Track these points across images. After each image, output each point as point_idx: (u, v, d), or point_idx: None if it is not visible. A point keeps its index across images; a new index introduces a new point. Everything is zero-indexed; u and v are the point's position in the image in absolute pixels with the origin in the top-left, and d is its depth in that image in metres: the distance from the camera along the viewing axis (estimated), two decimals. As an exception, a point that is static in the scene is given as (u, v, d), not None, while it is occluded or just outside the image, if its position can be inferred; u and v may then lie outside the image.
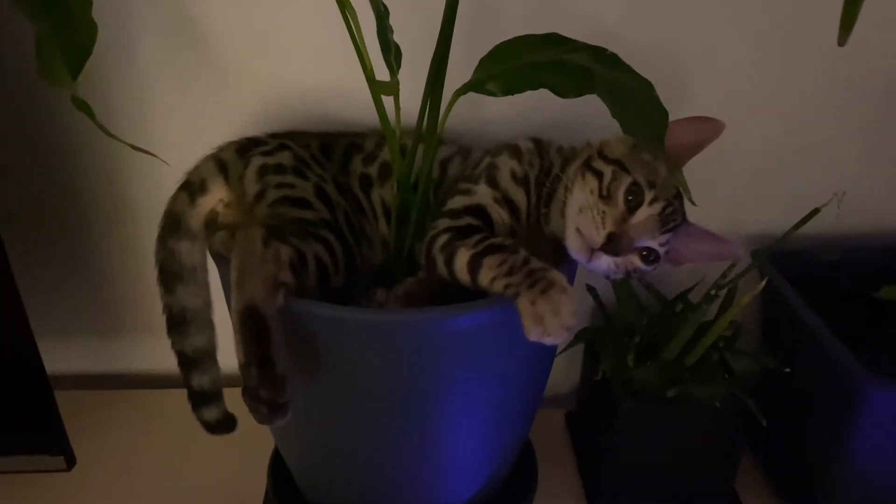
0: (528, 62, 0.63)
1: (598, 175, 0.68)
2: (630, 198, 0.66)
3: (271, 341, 0.59)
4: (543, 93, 0.62)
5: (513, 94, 0.61)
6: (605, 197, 0.67)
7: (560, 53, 0.63)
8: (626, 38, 0.81)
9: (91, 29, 0.61)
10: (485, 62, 0.65)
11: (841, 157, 0.96)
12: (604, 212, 0.66)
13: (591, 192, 0.68)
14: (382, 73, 0.67)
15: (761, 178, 0.97)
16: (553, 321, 0.58)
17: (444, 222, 0.69)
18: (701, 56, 0.89)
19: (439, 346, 0.63)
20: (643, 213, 0.67)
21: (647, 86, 0.59)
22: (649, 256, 0.68)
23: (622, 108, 0.57)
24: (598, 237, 0.66)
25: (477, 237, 0.66)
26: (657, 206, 0.67)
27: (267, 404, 0.58)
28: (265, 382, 0.58)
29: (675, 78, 0.89)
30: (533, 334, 0.59)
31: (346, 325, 0.62)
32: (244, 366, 0.59)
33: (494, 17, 0.83)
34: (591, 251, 0.66)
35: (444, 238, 0.67)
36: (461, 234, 0.67)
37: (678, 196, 0.68)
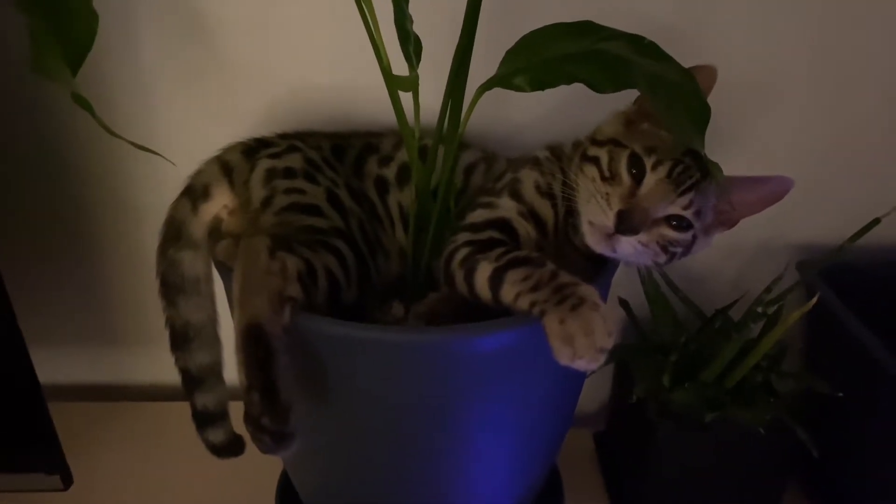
0: (559, 53, 0.57)
1: (595, 161, 0.64)
2: (633, 171, 0.62)
3: (275, 365, 0.53)
4: (577, 91, 0.56)
5: (543, 90, 0.55)
6: (608, 178, 0.63)
7: (594, 43, 0.57)
8: (666, 26, 0.76)
9: (91, 20, 0.57)
10: (511, 54, 0.59)
11: (888, 162, 0.89)
12: (607, 193, 0.62)
13: (593, 179, 0.63)
14: (400, 69, 0.63)
15: (809, 184, 0.89)
16: (584, 342, 0.52)
17: (464, 236, 0.64)
18: (749, 49, 0.83)
19: (460, 369, 0.57)
20: (650, 180, 0.61)
21: (689, 79, 0.54)
22: (680, 224, 0.62)
23: (664, 102, 0.52)
24: (609, 219, 0.60)
25: (500, 250, 0.60)
26: (663, 169, 0.61)
27: (270, 434, 0.53)
28: (268, 411, 0.53)
29: (720, 73, 0.83)
30: (563, 357, 0.53)
31: (358, 345, 0.56)
32: (246, 390, 0.53)
33: (522, 6, 0.77)
34: (608, 237, 0.61)
35: (464, 251, 0.62)
36: (483, 247, 0.61)
37: (689, 153, 0.62)
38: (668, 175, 0.61)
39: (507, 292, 0.57)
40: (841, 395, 0.74)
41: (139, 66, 0.83)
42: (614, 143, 0.64)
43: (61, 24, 0.55)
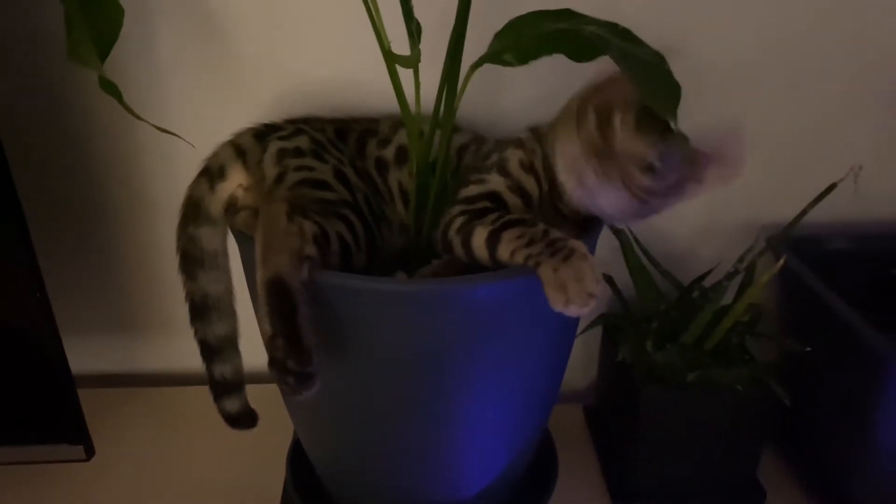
0: (541, 32, 0.64)
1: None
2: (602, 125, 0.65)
3: (297, 312, 0.58)
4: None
5: (527, 62, 0.61)
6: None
7: (573, 25, 0.63)
8: (639, 19, 0.82)
9: (118, 12, 0.63)
10: (500, 35, 0.66)
11: (857, 145, 0.96)
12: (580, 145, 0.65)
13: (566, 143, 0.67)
14: (400, 51, 0.68)
15: (777, 167, 0.97)
16: (576, 288, 0.58)
17: (459, 207, 0.69)
18: (717, 41, 0.90)
19: (461, 318, 0.63)
20: (616, 127, 0.64)
21: (659, 58, 0.60)
22: (654, 177, 0.64)
23: (638, 75, 0.57)
24: (587, 162, 0.64)
25: (493, 216, 0.66)
26: (629, 122, 0.64)
27: (294, 375, 0.58)
28: (292, 353, 0.58)
29: (690, 62, 0.89)
30: (557, 303, 0.59)
31: (369, 296, 0.62)
32: (271, 338, 0.58)
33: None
34: (583, 181, 0.64)
35: (460, 220, 0.68)
36: (477, 214, 0.67)
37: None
38: (637, 125, 0.63)
39: (504, 250, 0.63)
40: (809, 349, 0.79)
41: (156, 58, 0.88)
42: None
43: (93, 13, 0.61)
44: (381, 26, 0.67)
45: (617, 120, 0.64)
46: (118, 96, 0.61)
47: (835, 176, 0.79)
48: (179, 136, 0.66)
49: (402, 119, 0.72)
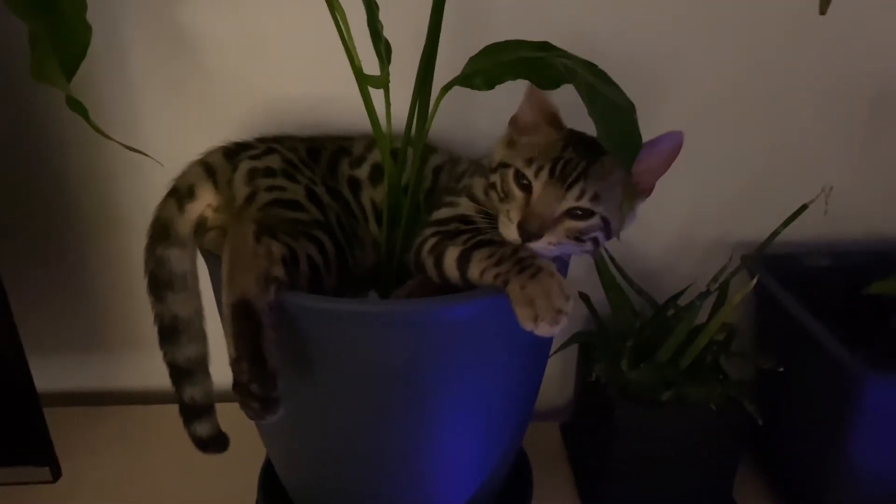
0: (512, 58, 0.63)
1: (493, 186, 0.69)
2: (522, 183, 0.66)
3: (263, 335, 0.58)
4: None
5: (493, 87, 0.61)
6: (505, 198, 0.67)
7: (549, 57, 0.63)
8: (613, 45, 0.83)
9: (85, 31, 0.62)
10: (474, 59, 0.66)
11: (830, 163, 0.97)
12: (508, 210, 0.66)
13: (498, 201, 0.68)
14: (372, 71, 0.68)
15: (751, 185, 0.98)
16: (544, 304, 0.58)
17: (431, 229, 0.69)
18: (691, 66, 0.90)
19: (433, 338, 0.62)
20: (537, 187, 0.65)
21: (630, 107, 0.59)
22: (584, 214, 0.65)
23: (601, 115, 0.57)
24: (514, 232, 0.64)
25: (465, 236, 0.66)
26: (545, 173, 0.65)
27: (259, 400, 0.57)
28: (257, 377, 0.57)
29: (664, 85, 0.90)
30: (526, 321, 0.59)
31: (338, 317, 0.61)
32: (235, 361, 0.58)
33: (484, 21, 0.85)
34: (522, 245, 0.64)
35: (432, 241, 0.68)
36: (449, 235, 0.67)
37: (570, 145, 0.66)
38: (551, 175, 0.65)
39: (474, 269, 0.63)
40: (782, 369, 0.80)
41: (126, 78, 0.87)
42: (502, 165, 0.68)
43: (59, 32, 0.59)
44: (352, 46, 0.67)
45: (531, 174, 0.65)
46: (85, 115, 0.60)
47: (808, 193, 0.79)
48: (147, 155, 0.65)
49: (375, 138, 0.71)
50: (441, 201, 0.74)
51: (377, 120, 0.69)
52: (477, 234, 0.67)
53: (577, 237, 0.65)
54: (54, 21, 0.60)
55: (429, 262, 0.67)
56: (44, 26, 0.59)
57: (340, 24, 0.65)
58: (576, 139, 0.67)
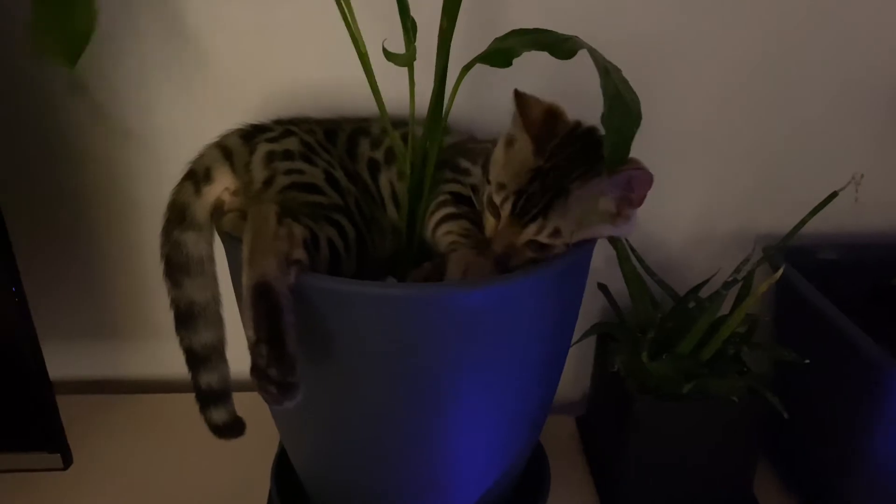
0: (539, 38, 0.62)
1: (477, 191, 0.72)
2: (494, 207, 0.67)
3: (283, 318, 0.57)
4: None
5: (511, 63, 0.60)
6: (483, 210, 0.70)
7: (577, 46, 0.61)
8: (629, 32, 0.82)
9: (91, 13, 0.60)
10: (499, 40, 0.64)
11: (851, 154, 0.96)
12: (485, 221, 0.69)
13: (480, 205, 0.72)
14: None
15: (771, 176, 0.96)
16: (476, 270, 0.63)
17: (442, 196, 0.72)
18: (710, 54, 0.89)
19: (453, 324, 0.61)
20: (503, 218, 0.66)
21: (636, 120, 0.56)
22: (544, 246, 0.65)
23: (611, 101, 0.55)
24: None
25: (463, 207, 0.70)
26: (508, 206, 0.65)
27: (277, 384, 0.56)
28: (276, 361, 0.56)
29: (683, 72, 0.89)
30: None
31: (358, 300, 0.60)
32: (254, 343, 0.56)
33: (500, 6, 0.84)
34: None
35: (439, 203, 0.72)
36: (452, 200, 0.71)
37: (537, 177, 0.65)
38: (512, 211, 0.65)
39: (442, 230, 0.68)
40: (807, 361, 0.78)
41: (141, 59, 0.86)
42: (487, 178, 0.69)
43: (63, 15, 0.58)
44: (356, 29, 0.66)
45: (499, 202, 0.66)
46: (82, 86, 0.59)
47: (830, 184, 0.78)
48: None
49: (391, 121, 0.70)
50: (454, 173, 0.74)
51: (383, 104, 0.68)
52: (471, 210, 0.70)
53: (545, 257, 0.66)
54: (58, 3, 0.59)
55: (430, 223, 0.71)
56: (47, 7, 0.58)
57: (343, 5, 0.64)
58: (553, 163, 0.65)
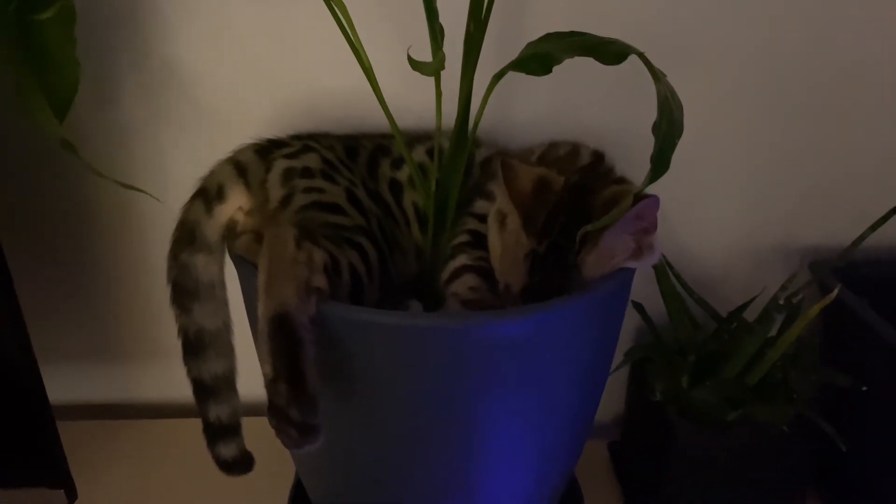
0: (576, 39, 0.57)
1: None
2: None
3: (303, 353, 0.52)
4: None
5: (551, 70, 0.55)
6: None
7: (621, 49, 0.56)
8: (669, 35, 0.77)
9: (74, 68, 0.60)
10: (532, 44, 0.60)
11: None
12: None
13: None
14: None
15: (816, 188, 0.91)
16: None
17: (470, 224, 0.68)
18: (754, 54, 0.84)
19: (484, 356, 0.56)
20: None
21: (679, 130, 0.52)
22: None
23: (661, 107, 0.50)
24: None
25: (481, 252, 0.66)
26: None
27: (297, 426, 0.52)
28: (296, 401, 0.51)
29: (727, 81, 0.85)
30: None
31: (382, 331, 0.55)
32: (272, 381, 0.52)
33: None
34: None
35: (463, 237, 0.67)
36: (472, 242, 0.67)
37: (537, 260, 0.61)
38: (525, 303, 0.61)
39: (460, 283, 0.64)
40: (865, 388, 0.73)
41: (148, 69, 0.83)
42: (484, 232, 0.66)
43: (46, 75, 0.58)
44: (357, 42, 0.62)
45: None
46: (76, 153, 0.58)
47: (878, 196, 0.73)
48: (142, 191, 0.63)
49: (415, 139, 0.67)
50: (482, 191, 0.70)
51: (394, 119, 0.64)
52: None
53: None
54: (42, 63, 0.59)
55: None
56: (31, 70, 0.57)
57: (340, 17, 0.61)
58: (549, 243, 0.61)
